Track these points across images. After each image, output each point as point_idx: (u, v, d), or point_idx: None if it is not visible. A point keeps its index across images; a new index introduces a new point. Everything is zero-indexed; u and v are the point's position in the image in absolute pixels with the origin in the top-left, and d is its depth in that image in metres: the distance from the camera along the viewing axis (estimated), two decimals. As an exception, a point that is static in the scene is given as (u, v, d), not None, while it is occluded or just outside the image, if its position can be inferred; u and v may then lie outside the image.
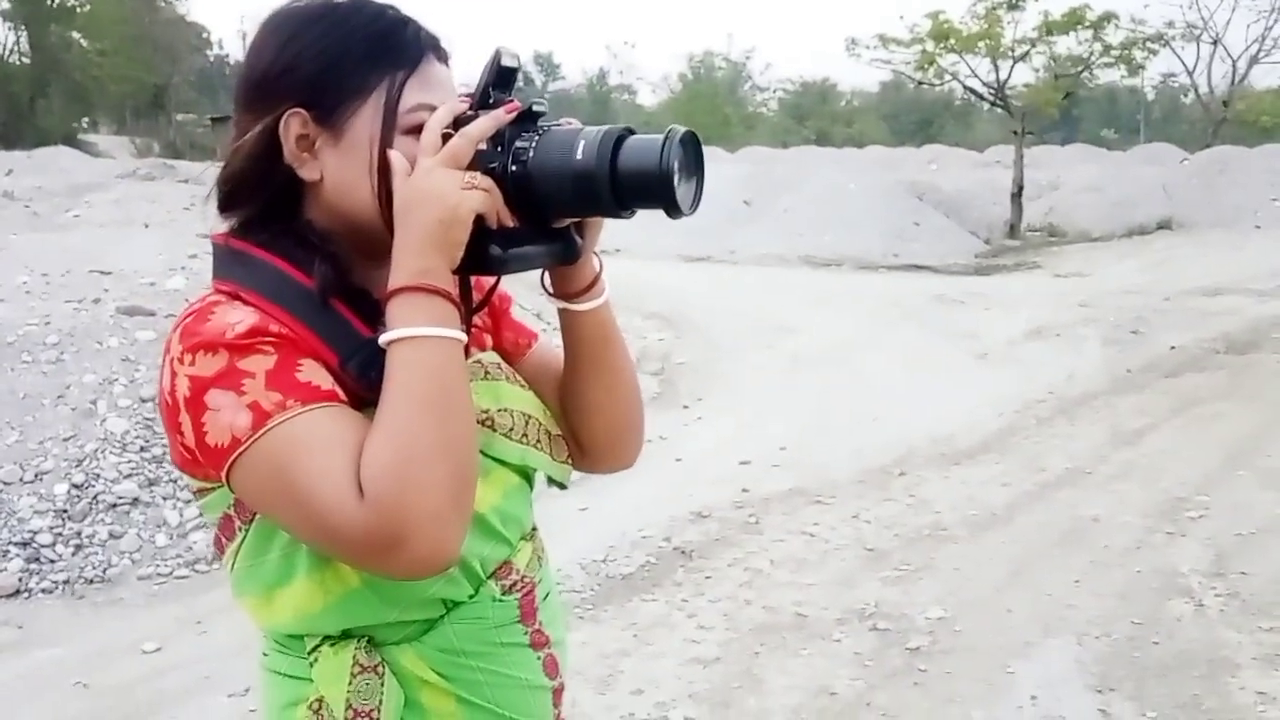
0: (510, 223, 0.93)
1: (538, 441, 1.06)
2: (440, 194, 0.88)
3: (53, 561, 3.99)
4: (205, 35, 54.80)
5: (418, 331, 0.87)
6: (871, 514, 4.50)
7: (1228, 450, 5.35)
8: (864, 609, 3.57)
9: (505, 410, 1.03)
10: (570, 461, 1.11)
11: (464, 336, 0.91)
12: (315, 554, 0.92)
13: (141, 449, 4.50)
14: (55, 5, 39.96)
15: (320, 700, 0.94)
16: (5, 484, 4.23)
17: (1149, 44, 20.08)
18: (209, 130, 45.01)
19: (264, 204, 0.97)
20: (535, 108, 0.94)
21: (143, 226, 10.19)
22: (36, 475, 4.28)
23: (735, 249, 14.97)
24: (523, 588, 1.03)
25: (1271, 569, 3.83)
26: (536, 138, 0.92)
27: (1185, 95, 41.07)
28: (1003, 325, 9.16)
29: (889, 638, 3.37)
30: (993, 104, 21.53)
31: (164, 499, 4.34)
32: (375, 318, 0.93)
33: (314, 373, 0.89)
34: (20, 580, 3.89)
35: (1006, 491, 4.75)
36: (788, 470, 5.14)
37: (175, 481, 4.42)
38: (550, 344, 1.17)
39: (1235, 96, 29.67)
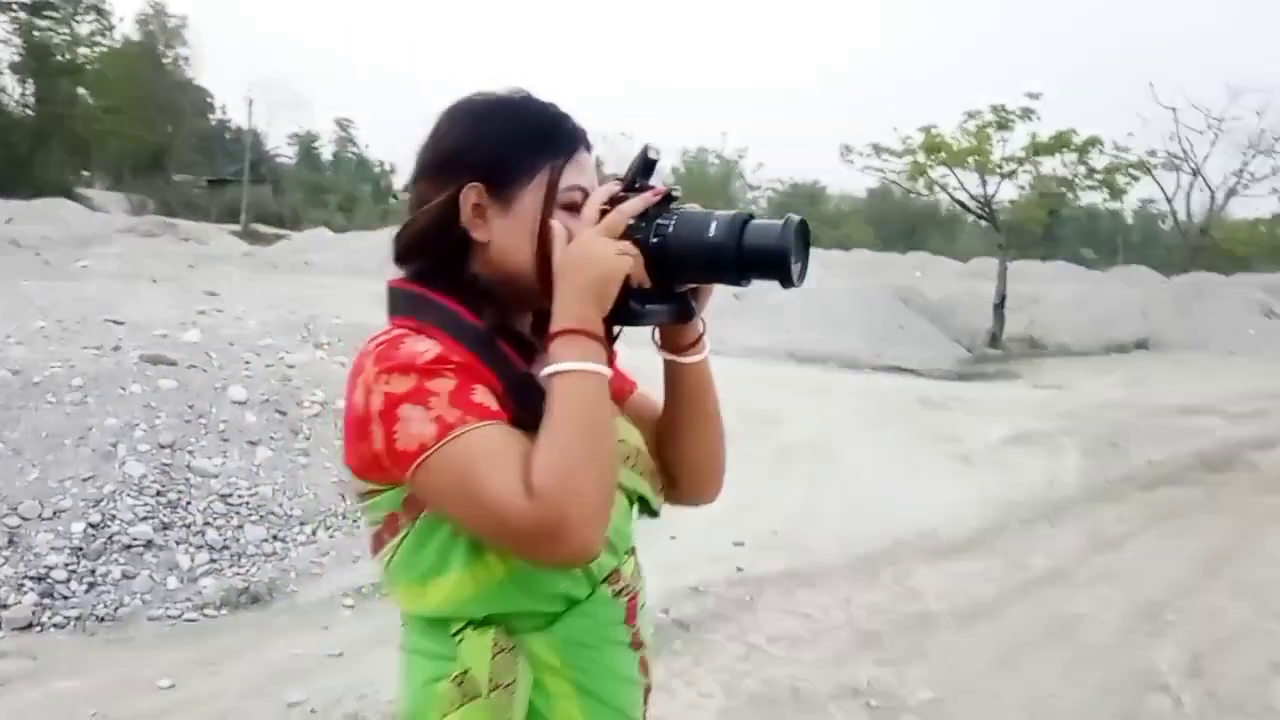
0: (647, 284, 1.13)
1: (643, 472, 1.25)
2: (599, 256, 1.09)
3: (66, 598, 4.08)
4: (209, 100, 55.79)
5: (577, 366, 1.07)
6: (862, 599, 4.65)
7: (1202, 561, 5.54)
8: (857, 687, 3.70)
9: (622, 441, 1.20)
10: (663, 493, 1.30)
11: (609, 372, 1.10)
12: (469, 548, 1.09)
13: (158, 493, 4.62)
14: (65, 60, 40.71)
15: (464, 674, 1.11)
16: (24, 519, 4.33)
17: (1131, 170, 20.86)
18: (205, 191, 45.72)
19: (439, 258, 1.17)
20: (673, 193, 1.15)
21: (150, 281, 10.40)
22: (55, 513, 4.39)
23: (724, 340, 15.26)
24: (628, 593, 1.21)
25: (1244, 670, 3.99)
26: (675, 216, 1.12)
27: (1163, 221, 42.32)
28: (984, 429, 9.40)
29: (880, 714, 3.50)
30: (979, 216, 22.21)
31: (177, 543, 4.45)
32: (528, 355, 1.15)
33: (485, 396, 1.08)
34: (34, 614, 3.98)
35: (992, 586, 4.91)
36: (780, 552, 5.29)
37: (189, 526, 4.53)
38: (648, 392, 1.37)
39: (1213, 225, 30.64)
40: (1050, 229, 27.12)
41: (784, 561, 5.13)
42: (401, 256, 1.20)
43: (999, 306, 18.88)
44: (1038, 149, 19.83)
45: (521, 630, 1.13)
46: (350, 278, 15.52)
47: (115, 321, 6.94)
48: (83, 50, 41.59)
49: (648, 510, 1.28)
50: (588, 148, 1.21)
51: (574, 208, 1.16)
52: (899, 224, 50.33)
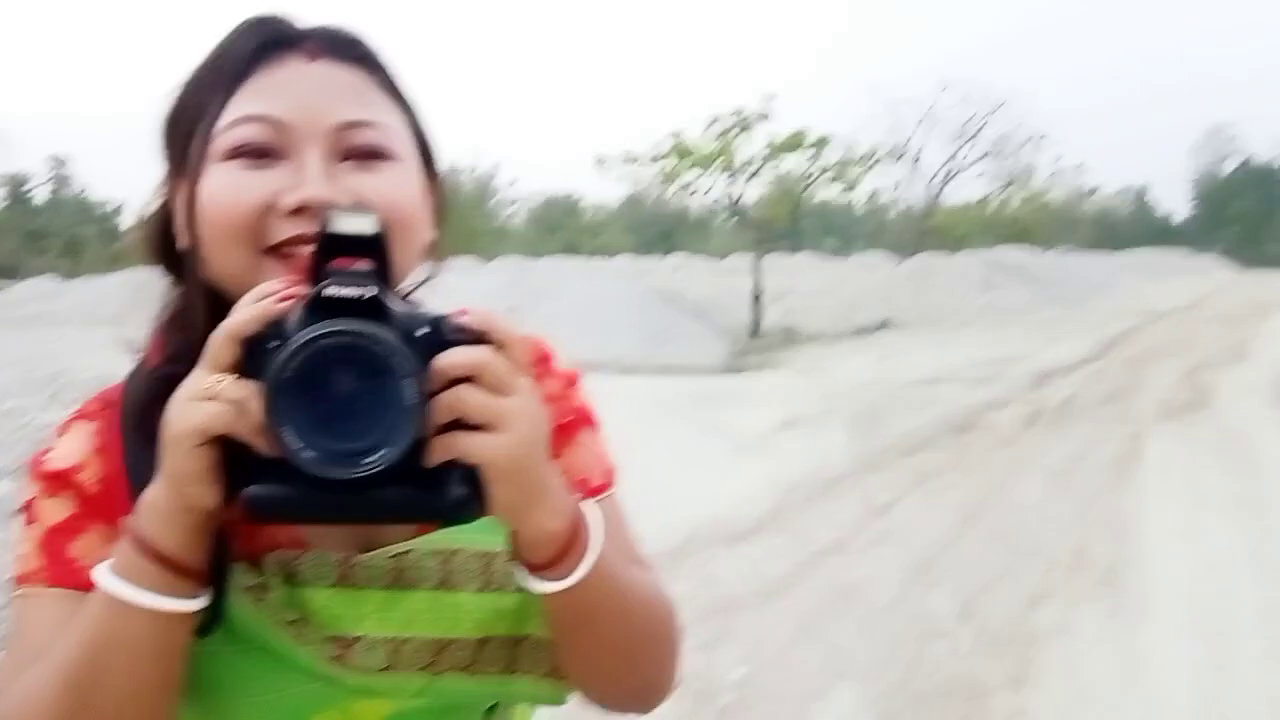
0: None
1: (469, 664, 0.80)
2: (172, 401, 0.64)
3: None
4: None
5: (107, 585, 0.67)
6: (670, 592, 4.83)
7: (961, 515, 6.13)
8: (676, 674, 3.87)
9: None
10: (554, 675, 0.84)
11: (165, 605, 0.67)
12: None
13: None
14: None
15: None
16: None
17: (860, 163, 22.57)
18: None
19: (169, 275, 0.84)
20: (329, 292, 0.62)
21: None
22: None
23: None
24: None
25: (1007, 607, 4.48)
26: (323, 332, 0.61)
27: (890, 210, 45.88)
28: (757, 418, 9.93)
29: (700, 698, 3.68)
30: (729, 215, 23.34)
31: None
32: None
33: (86, 547, 0.76)
34: None
35: (785, 562, 5.24)
36: (584, 559, 5.41)
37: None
38: (616, 507, 0.92)
39: (934, 210, 33.57)
40: (795, 223, 28.84)
41: (589, 566, 5.25)
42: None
43: (756, 299, 19.91)
44: (777, 148, 21.10)
45: None
46: (90, 327, 14.37)
47: None
48: None
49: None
50: (313, 54, 0.78)
51: (256, 153, 0.75)
52: (655, 228, 51.93)
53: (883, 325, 19.94)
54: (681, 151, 20.90)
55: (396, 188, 0.78)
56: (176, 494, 0.65)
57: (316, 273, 0.64)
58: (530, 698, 0.84)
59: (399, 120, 0.82)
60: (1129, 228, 54.24)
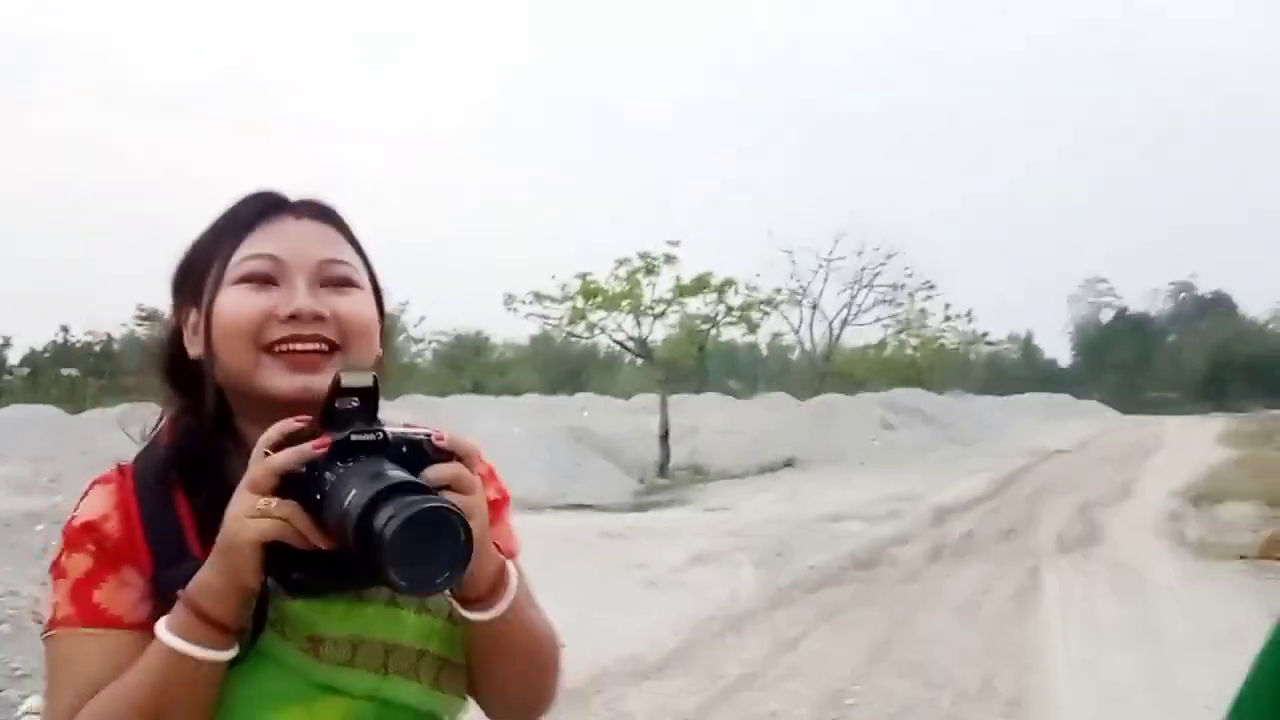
0: (323, 546, 0.88)
1: (444, 682, 1.04)
2: (228, 517, 0.89)
3: None
4: None
5: (168, 641, 0.90)
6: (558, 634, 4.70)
7: (868, 648, 6.14)
8: (584, 817, 3.73)
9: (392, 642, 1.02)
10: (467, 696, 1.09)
11: (213, 656, 0.90)
12: None
13: None
14: None
15: None
16: None
17: (762, 306, 23.26)
18: None
19: (174, 389, 1.10)
20: (355, 437, 0.89)
21: None
22: None
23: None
24: None
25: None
26: (343, 470, 0.87)
27: (792, 351, 47.14)
28: (666, 554, 9.87)
29: (611, 841, 3.54)
30: (636, 355, 23.65)
31: None
32: (217, 511, 0.92)
33: (111, 594, 0.97)
34: None
35: (695, 698, 5.15)
36: (490, 699, 5.23)
37: None
38: (521, 566, 1.12)
39: (833, 353, 34.61)
40: (700, 363, 29.36)
41: (495, 705, 5.08)
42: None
43: (663, 438, 20.02)
44: (682, 290, 21.64)
45: None
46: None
47: None
48: None
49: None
50: (299, 215, 1.07)
51: (260, 280, 1.03)
52: (563, 367, 52.20)
53: (787, 463, 20.21)
54: (589, 292, 21.27)
55: (359, 307, 1.08)
56: (232, 580, 0.89)
57: (327, 415, 0.91)
58: (447, 709, 1.06)
59: (359, 263, 1.11)
60: (1018, 372, 56.64)
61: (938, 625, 6.72)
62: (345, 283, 1.07)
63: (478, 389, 43.33)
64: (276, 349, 1.02)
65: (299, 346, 1.01)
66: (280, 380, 1.01)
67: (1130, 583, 8.00)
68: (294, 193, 1.11)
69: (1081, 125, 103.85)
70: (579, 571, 8.96)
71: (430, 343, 55.44)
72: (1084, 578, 8.26)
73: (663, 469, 19.72)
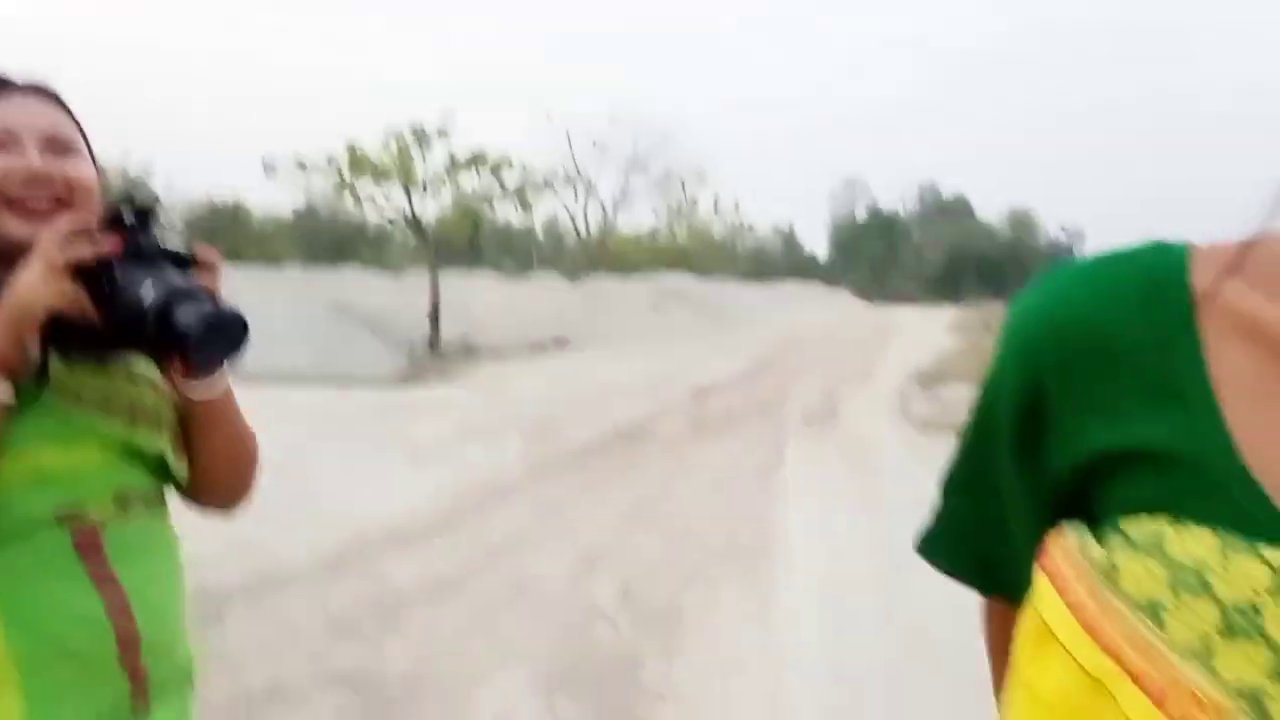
0: (97, 323, 1.14)
1: (165, 433, 1.28)
2: (24, 284, 1.12)
3: None
4: None
5: None
6: (334, 593, 4.74)
7: (626, 512, 6.49)
8: (340, 673, 3.81)
9: (151, 389, 1.26)
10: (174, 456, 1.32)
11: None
12: None
13: None
14: None
15: None
16: None
17: (537, 186, 23.11)
18: None
19: None
20: (144, 243, 1.15)
21: None
22: None
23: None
24: (86, 531, 1.21)
25: (662, 591, 4.82)
26: (132, 270, 1.12)
27: (567, 234, 47.25)
28: (434, 430, 9.90)
29: (368, 694, 3.65)
30: (409, 230, 23.03)
31: None
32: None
33: None
34: None
35: (458, 562, 5.29)
36: (241, 563, 5.16)
37: None
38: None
39: (607, 237, 34.96)
40: (474, 241, 28.94)
41: (247, 572, 5.02)
42: None
43: (433, 315, 19.79)
44: (457, 166, 21.12)
45: None
46: None
47: None
48: None
49: (170, 478, 1.32)
50: (25, 94, 1.27)
51: None
52: (328, 241, 50.04)
53: (558, 342, 20.51)
54: (356, 162, 20.38)
55: (83, 168, 1.29)
56: (14, 334, 1.12)
57: (111, 225, 1.14)
58: (178, 466, 1.32)
59: (78, 134, 1.31)
60: (779, 262, 59.39)
61: (691, 493, 7.16)
62: (69, 148, 1.27)
63: (233, 259, 40.84)
64: (14, 203, 1.22)
65: (33, 205, 1.23)
66: (17, 228, 1.22)
67: (861, 457, 8.79)
68: (17, 76, 1.32)
69: (859, 43, 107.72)
70: (342, 446, 8.85)
71: (179, 213, 51.54)
72: (821, 450, 8.99)
73: (432, 346, 19.55)
